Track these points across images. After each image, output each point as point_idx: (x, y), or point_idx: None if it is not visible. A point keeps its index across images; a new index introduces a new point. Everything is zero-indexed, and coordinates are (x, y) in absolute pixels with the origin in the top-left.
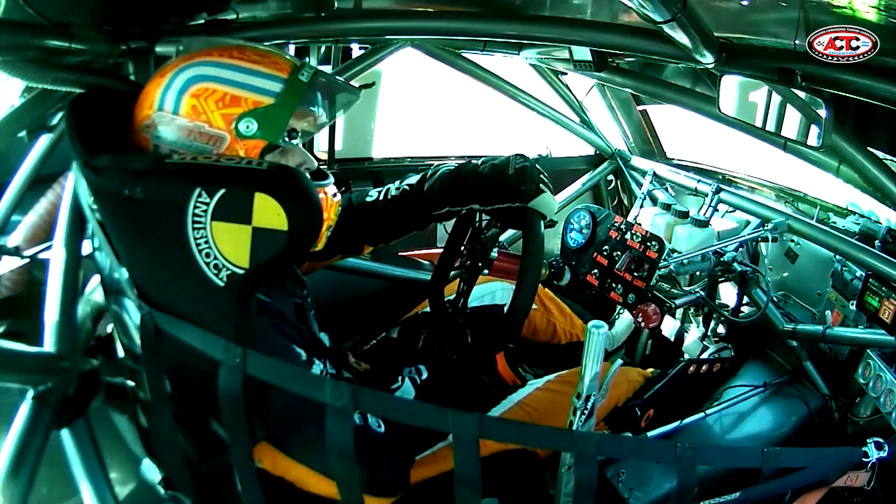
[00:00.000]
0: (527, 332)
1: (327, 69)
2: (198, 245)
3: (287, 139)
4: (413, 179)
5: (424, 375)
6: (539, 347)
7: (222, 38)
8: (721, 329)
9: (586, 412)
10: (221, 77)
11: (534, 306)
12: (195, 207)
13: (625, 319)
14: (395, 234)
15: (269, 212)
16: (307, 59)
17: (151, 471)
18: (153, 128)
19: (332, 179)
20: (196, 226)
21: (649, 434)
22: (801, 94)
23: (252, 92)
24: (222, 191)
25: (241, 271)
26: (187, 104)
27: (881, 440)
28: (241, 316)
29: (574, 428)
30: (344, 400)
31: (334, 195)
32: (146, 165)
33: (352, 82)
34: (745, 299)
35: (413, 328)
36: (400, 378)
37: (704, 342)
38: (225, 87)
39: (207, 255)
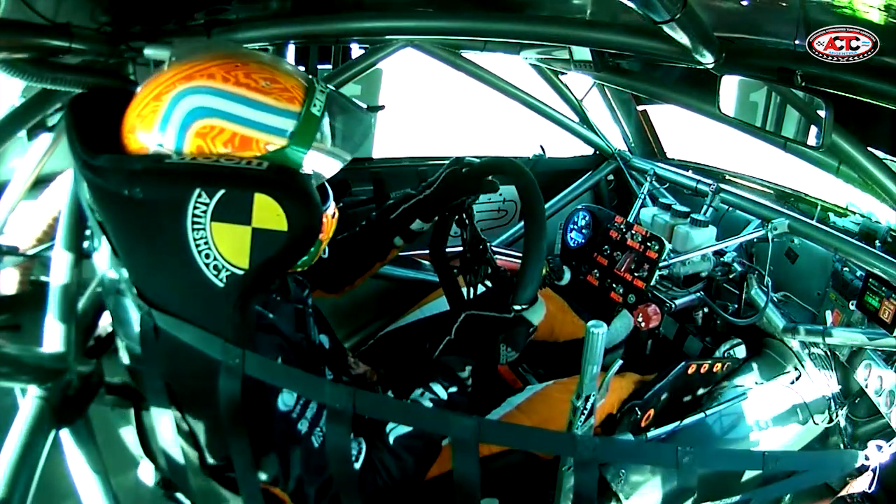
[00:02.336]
0: None
1: (327, 68)
2: (197, 246)
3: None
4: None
5: (443, 395)
6: (537, 345)
7: (221, 40)
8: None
9: (586, 412)
10: (228, 112)
11: None
12: (195, 208)
13: (623, 317)
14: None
15: (268, 212)
16: (315, 79)
17: (149, 472)
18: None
19: (331, 200)
20: (195, 226)
21: (649, 434)
22: (801, 94)
23: (263, 132)
24: (222, 191)
25: (241, 272)
26: (192, 143)
27: (882, 443)
28: (241, 317)
29: (574, 428)
30: (342, 402)
31: (333, 215)
32: (146, 165)
33: (352, 83)
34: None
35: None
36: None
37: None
38: (233, 125)
39: (207, 256)
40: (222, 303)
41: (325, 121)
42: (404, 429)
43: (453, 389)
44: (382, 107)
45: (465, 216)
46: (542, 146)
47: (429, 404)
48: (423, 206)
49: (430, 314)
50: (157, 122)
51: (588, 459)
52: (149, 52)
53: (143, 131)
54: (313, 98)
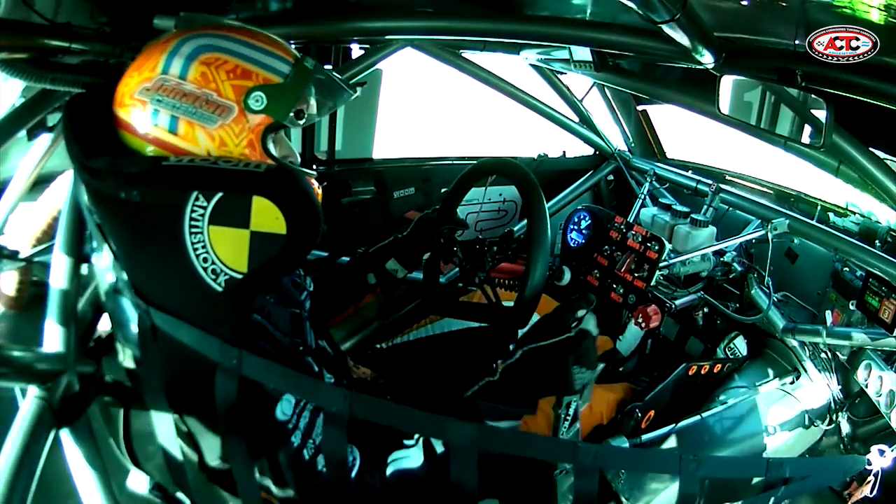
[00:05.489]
0: None
1: (327, 68)
2: (195, 250)
3: (294, 119)
4: None
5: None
6: None
7: (227, 20)
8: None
9: (569, 418)
10: (232, 49)
11: None
12: (192, 212)
13: (632, 327)
14: None
15: (267, 216)
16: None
17: (139, 480)
18: (154, 91)
19: (314, 173)
20: (193, 230)
21: (649, 435)
22: (796, 94)
23: (263, 69)
24: (219, 195)
25: (240, 276)
26: (196, 70)
27: (885, 447)
28: (239, 320)
29: (560, 434)
30: (339, 405)
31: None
32: (143, 168)
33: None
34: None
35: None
36: (416, 438)
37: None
38: (237, 59)
39: (205, 260)
40: (220, 307)
41: (315, 80)
42: (409, 464)
43: None
44: (364, 83)
45: (449, 248)
46: (564, 151)
47: (441, 448)
48: (398, 245)
49: (440, 331)
50: (165, 56)
51: (589, 468)
52: (158, 22)
53: (146, 65)
54: (305, 59)
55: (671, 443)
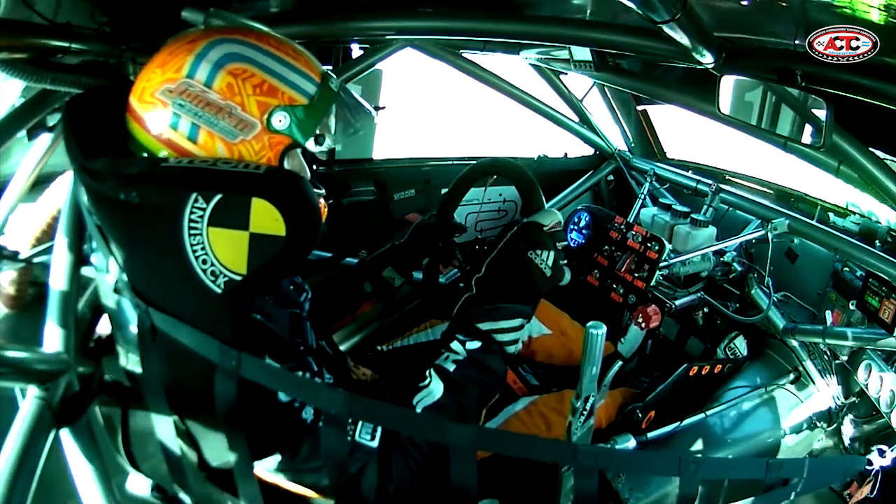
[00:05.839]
0: (526, 352)
1: (327, 68)
2: (194, 251)
3: (315, 143)
4: None
5: (462, 354)
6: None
7: (253, 22)
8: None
9: (585, 412)
10: (261, 63)
11: (540, 329)
12: (191, 213)
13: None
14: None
15: (266, 217)
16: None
17: (139, 482)
18: (177, 94)
19: (322, 192)
20: (192, 232)
21: (650, 435)
22: (797, 94)
23: (290, 88)
24: (219, 196)
25: (239, 278)
26: (222, 80)
27: (885, 447)
28: (239, 321)
29: (574, 428)
30: (338, 406)
31: (323, 207)
32: (142, 170)
33: (352, 83)
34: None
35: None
36: (428, 374)
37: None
38: (264, 73)
39: (204, 262)
40: (220, 308)
41: (338, 103)
42: (433, 398)
43: (474, 345)
44: (383, 107)
45: (448, 252)
46: (566, 153)
47: (452, 366)
48: (396, 253)
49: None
50: (192, 58)
51: (589, 469)
52: (186, 14)
53: (171, 65)
54: (330, 77)
55: (677, 441)
